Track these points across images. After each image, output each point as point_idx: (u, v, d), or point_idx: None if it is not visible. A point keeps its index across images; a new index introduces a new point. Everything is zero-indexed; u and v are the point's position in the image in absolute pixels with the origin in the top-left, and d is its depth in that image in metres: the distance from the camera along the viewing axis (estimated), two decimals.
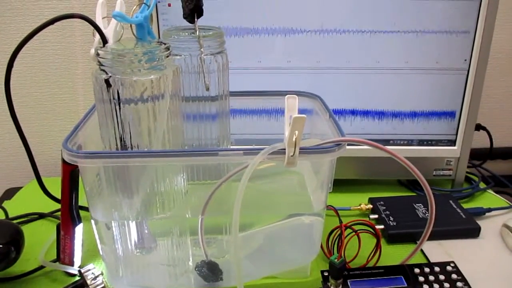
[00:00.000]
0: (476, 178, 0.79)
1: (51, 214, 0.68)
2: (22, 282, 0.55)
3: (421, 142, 0.74)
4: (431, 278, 0.52)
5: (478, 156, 0.84)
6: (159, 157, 0.44)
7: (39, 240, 0.60)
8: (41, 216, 0.68)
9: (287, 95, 0.46)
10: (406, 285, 0.51)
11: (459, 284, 0.51)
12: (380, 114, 0.72)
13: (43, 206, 0.68)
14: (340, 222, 0.56)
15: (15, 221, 0.66)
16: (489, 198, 0.75)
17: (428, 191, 0.49)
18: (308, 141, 0.46)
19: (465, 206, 0.69)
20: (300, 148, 0.44)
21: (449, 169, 0.75)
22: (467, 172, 0.79)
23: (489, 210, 0.68)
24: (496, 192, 0.76)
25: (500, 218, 0.68)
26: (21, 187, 0.78)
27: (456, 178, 0.75)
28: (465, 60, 0.68)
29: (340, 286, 0.49)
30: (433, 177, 0.75)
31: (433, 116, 0.72)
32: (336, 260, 0.47)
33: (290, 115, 0.44)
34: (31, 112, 0.84)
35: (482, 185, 0.78)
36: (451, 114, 0.72)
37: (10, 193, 0.78)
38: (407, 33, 0.67)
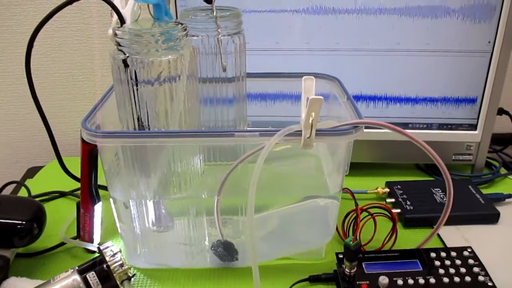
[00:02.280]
0: (497, 164, 0.77)
1: (71, 193, 0.70)
2: (44, 257, 0.57)
3: (441, 126, 0.72)
4: (447, 262, 0.51)
5: (499, 141, 0.82)
6: (176, 137, 0.45)
7: (60, 218, 0.62)
8: (62, 194, 0.70)
9: (304, 77, 0.45)
10: (421, 269, 0.51)
11: (475, 269, 0.50)
12: (400, 97, 0.71)
13: (64, 184, 0.69)
14: (356, 205, 0.56)
15: (37, 199, 0.68)
16: (510, 184, 0.73)
17: (446, 176, 0.48)
18: (325, 123, 0.46)
19: (485, 191, 0.68)
20: (317, 130, 0.44)
21: (469, 154, 0.73)
22: (487, 157, 0.77)
23: (509, 196, 0.67)
24: None
25: None
26: (43, 166, 0.80)
27: (476, 163, 0.74)
28: (489, 42, 0.66)
29: (355, 269, 0.49)
30: (453, 162, 0.74)
31: (454, 100, 0.71)
32: (351, 242, 0.47)
33: (307, 97, 0.44)
34: (51, 93, 0.86)
35: (503, 170, 0.76)
36: (472, 98, 0.70)
37: (32, 171, 0.79)
38: (428, 13, 0.65)
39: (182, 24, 0.47)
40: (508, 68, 0.67)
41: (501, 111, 0.75)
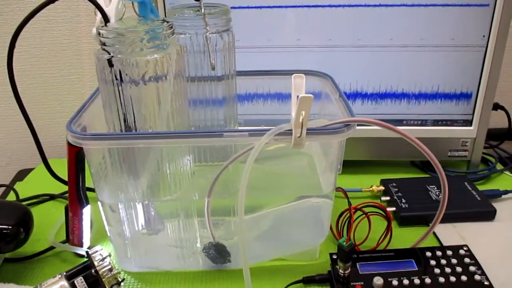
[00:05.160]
0: (493, 159, 0.77)
1: (61, 196, 0.69)
2: (33, 262, 0.56)
3: (435, 122, 0.71)
4: (443, 262, 0.50)
5: (495, 136, 0.81)
6: (163, 138, 0.44)
7: (49, 221, 0.61)
8: (51, 197, 0.69)
9: (294, 74, 0.44)
10: (417, 268, 0.50)
11: (471, 268, 0.50)
12: (393, 94, 0.70)
13: (54, 187, 0.68)
14: (349, 204, 0.55)
15: (26, 202, 0.67)
16: (507, 180, 0.72)
17: (440, 172, 0.48)
18: (316, 122, 0.45)
19: (481, 188, 0.67)
20: (308, 129, 0.43)
21: (465, 150, 0.72)
22: (484, 153, 0.76)
23: (506, 192, 0.66)
24: None
25: None
26: (33, 168, 0.79)
27: (472, 159, 0.73)
28: (484, 36, 0.65)
29: (349, 269, 0.49)
30: (448, 158, 0.73)
31: (449, 95, 0.70)
32: (344, 243, 0.47)
33: (297, 95, 0.43)
34: (41, 93, 0.84)
35: (499, 166, 0.75)
36: (467, 93, 0.69)
37: (22, 174, 0.78)
38: (421, 7, 0.64)
39: (168, 22, 0.45)
40: (503, 63, 0.66)
41: (496, 106, 0.74)
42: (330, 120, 0.46)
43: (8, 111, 0.85)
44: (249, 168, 0.42)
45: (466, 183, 0.67)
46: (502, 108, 0.76)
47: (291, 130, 0.43)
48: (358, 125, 0.46)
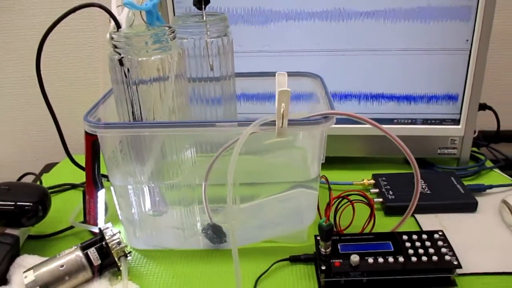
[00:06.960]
0: (482, 157, 0.80)
1: (81, 185, 0.77)
2: (54, 239, 0.64)
3: (425, 121, 0.76)
4: (418, 244, 0.55)
5: (489, 138, 0.84)
6: (165, 127, 0.51)
7: (70, 206, 0.69)
8: (72, 186, 0.77)
9: (277, 72, 0.50)
10: (392, 249, 0.55)
11: (443, 250, 0.54)
12: (385, 95, 0.75)
13: (76, 178, 0.76)
14: (329, 190, 0.61)
15: (51, 190, 0.75)
16: (495, 177, 0.76)
17: (412, 162, 0.53)
18: (297, 114, 0.51)
19: (470, 184, 0.71)
20: (289, 120, 0.49)
21: (454, 148, 0.76)
22: (476, 152, 0.80)
23: (490, 187, 0.70)
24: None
25: (502, 195, 0.69)
26: (58, 163, 0.88)
27: (461, 157, 0.77)
28: (467, 40, 0.70)
29: (330, 248, 0.54)
30: (438, 156, 0.77)
31: (437, 96, 0.74)
32: (324, 223, 0.52)
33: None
34: (67, 94, 0.93)
35: (488, 163, 0.79)
36: (454, 93, 0.73)
37: (49, 167, 0.87)
38: (407, 13, 0.69)
39: (170, 28, 0.53)
40: (488, 65, 0.70)
41: (484, 107, 0.78)
42: (310, 113, 0.51)
43: (39, 111, 0.94)
44: (237, 153, 0.48)
45: (452, 178, 0.71)
46: (490, 108, 0.79)
47: (274, 121, 0.49)
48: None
